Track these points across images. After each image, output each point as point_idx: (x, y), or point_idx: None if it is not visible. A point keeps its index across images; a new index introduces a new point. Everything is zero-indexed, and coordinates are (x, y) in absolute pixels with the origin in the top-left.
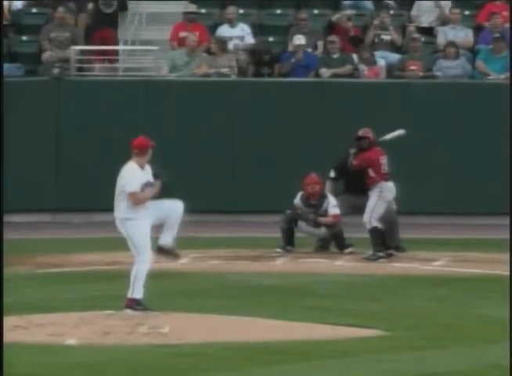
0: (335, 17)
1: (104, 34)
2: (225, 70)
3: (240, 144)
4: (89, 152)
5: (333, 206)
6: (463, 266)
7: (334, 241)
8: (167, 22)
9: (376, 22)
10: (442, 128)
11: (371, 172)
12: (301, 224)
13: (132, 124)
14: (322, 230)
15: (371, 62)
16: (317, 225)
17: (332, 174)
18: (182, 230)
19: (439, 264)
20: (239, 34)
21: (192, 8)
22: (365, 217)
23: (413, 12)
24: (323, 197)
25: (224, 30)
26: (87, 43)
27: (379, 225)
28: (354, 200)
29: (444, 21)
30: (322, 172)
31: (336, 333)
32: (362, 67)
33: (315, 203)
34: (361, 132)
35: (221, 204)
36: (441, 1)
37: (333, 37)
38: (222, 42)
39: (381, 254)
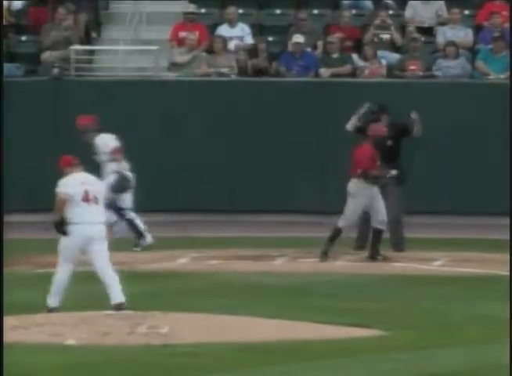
0: (334, 17)
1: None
2: (225, 70)
3: (240, 144)
4: (89, 152)
5: None
6: (463, 266)
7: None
8: (166, 22)
9: (377, 21)
10: (442, 128)
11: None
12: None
13: (132, 124)
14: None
15: (373, 59)
16: None
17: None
18: (182, 230)
19: (439, 264)
20: (238, 34)
21: (192, 8)
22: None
23: (407, 13)
24: None
25: (223, 30)
26: (85, 42)
27: None
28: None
29: (441, 21)
30: (321, 172)
31: (336, 333)
32: (363, 66)
33: None
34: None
35: (221, 204)
36: (437, 2)
37: (332, 37)
38: (225, 41)
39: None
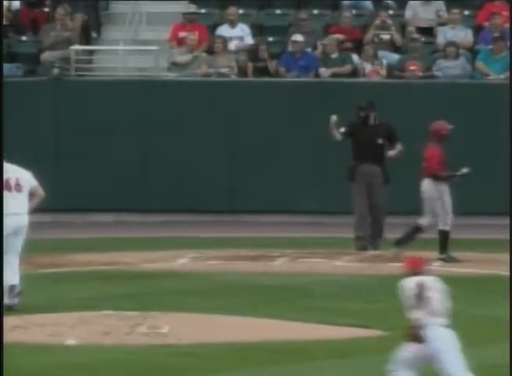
0: (334, 17)
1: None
2: (224, 70)
3: (240, 144)
4: (89, 152)
5: None
6: (463, 266)
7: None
8: (166, 22)
9: (377, 22)
10: None
11: None
12: None
13: (132, 125)
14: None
15: (373, 60)
16: None
17: (342, 129)
18: (182, 230)
19: (439, 264)
20: (238, 34)
21: (192, 8)
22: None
23: (407, 13)
24: None
25: (224, 31)
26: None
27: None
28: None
29: (441, 22)
30: (321, 173)
31: (336, 333)
32: (363, 66)
33: None
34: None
35: (221, 203)
36: (437, 2)
37: (328, 39)
38: (225, 41)
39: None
